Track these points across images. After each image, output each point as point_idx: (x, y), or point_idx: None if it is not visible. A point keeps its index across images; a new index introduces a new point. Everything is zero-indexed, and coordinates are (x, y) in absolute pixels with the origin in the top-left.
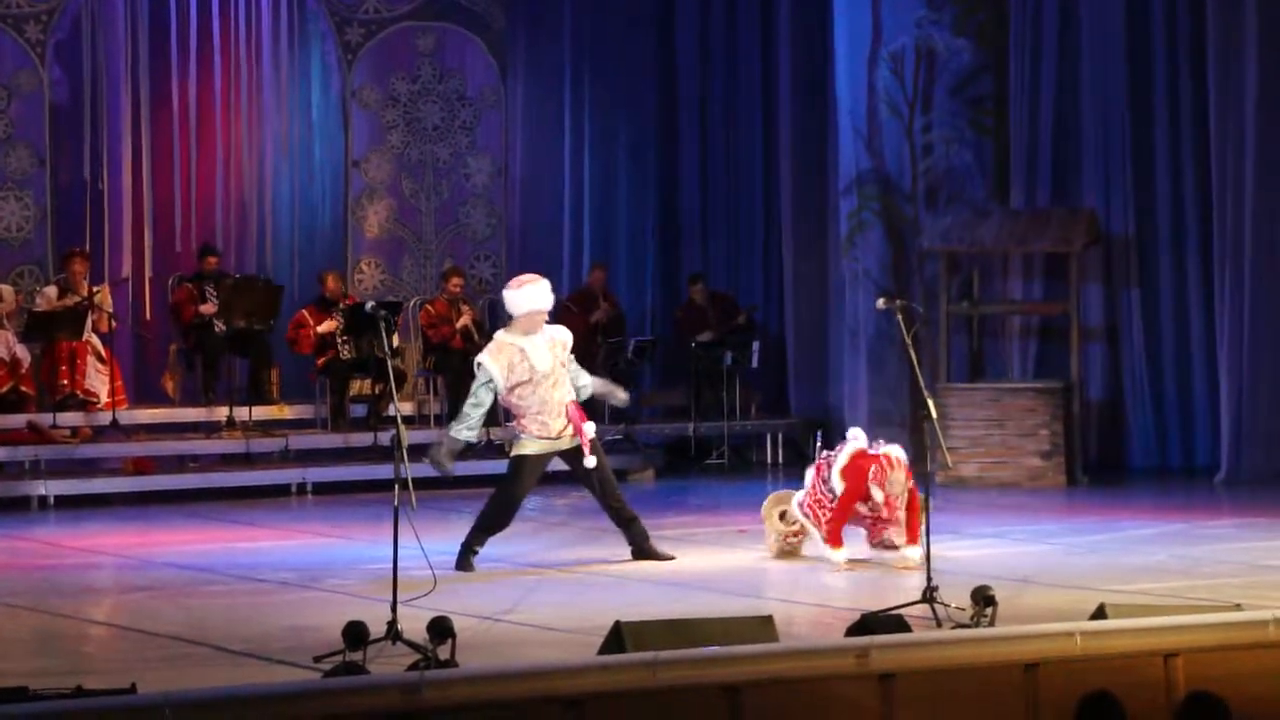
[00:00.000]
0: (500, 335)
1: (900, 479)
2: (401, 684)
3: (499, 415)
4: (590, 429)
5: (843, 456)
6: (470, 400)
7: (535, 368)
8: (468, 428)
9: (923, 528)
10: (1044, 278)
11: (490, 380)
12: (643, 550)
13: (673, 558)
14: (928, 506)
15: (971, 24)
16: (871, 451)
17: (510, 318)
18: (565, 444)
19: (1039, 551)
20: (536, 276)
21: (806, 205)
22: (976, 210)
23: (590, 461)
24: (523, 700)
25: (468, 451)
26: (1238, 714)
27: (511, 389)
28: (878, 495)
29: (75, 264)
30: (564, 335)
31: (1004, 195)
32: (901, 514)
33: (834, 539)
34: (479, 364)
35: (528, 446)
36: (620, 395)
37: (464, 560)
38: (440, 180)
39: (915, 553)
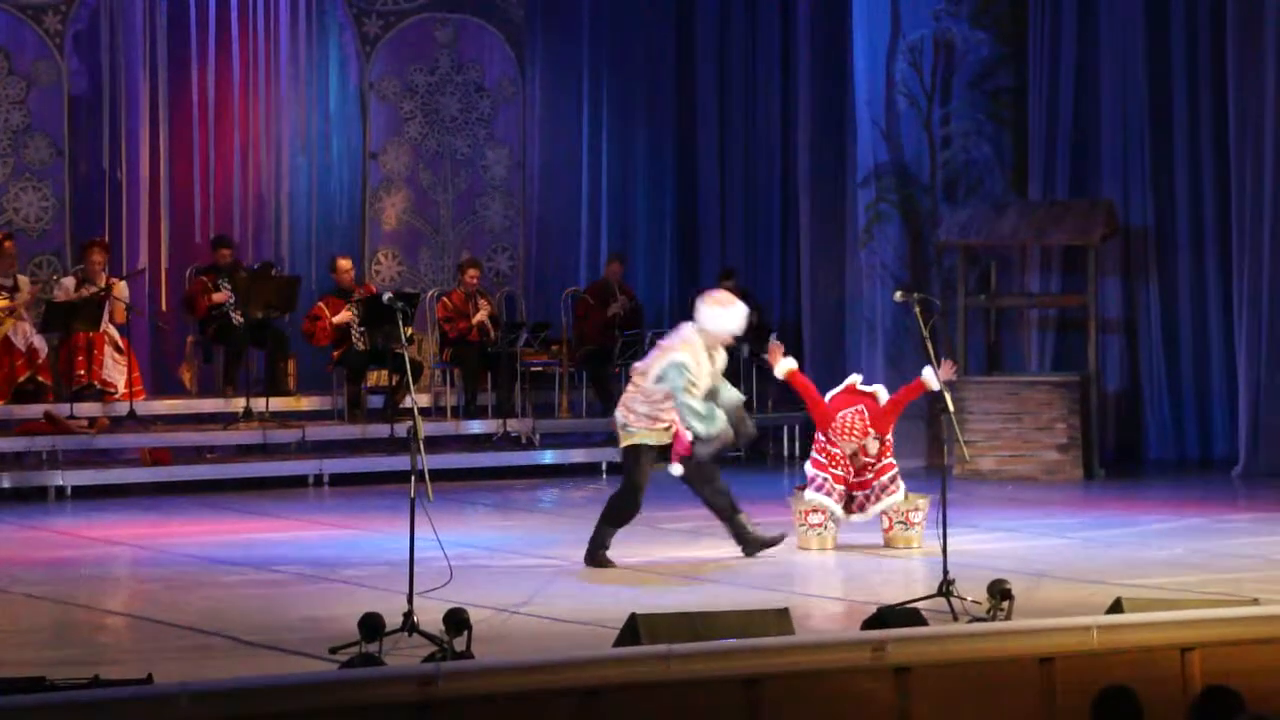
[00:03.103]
0: (692, 334)
1: (850, 446)
2: (417, 675)
3: (519, 406)
4: (688, 435)
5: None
6: (686, 401)
7: (699, 384)
8: (704, 418)
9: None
10: (1062, 270)
11: (692, 376)
12: (748, 541)
13: (780, 539)
14: (945, 500)
15: (990, 16)
16: (861, 389)
17: (701, 325)
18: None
19: (1056, 545)
20: (734, 298)
21: (824, 197)
22: (995, 203)
23: (676, 469)
24: (538, 692)
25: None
26: (1254, 708)
27: (663, 387)
28: (837, 440)
29: (94, 254)
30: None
31: (1022, 187)
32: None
33: (795, 374)
34: (681, 364)
35: (647, 437)
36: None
37: (596, 556)
38: (458, 172)
39: (874, 445)
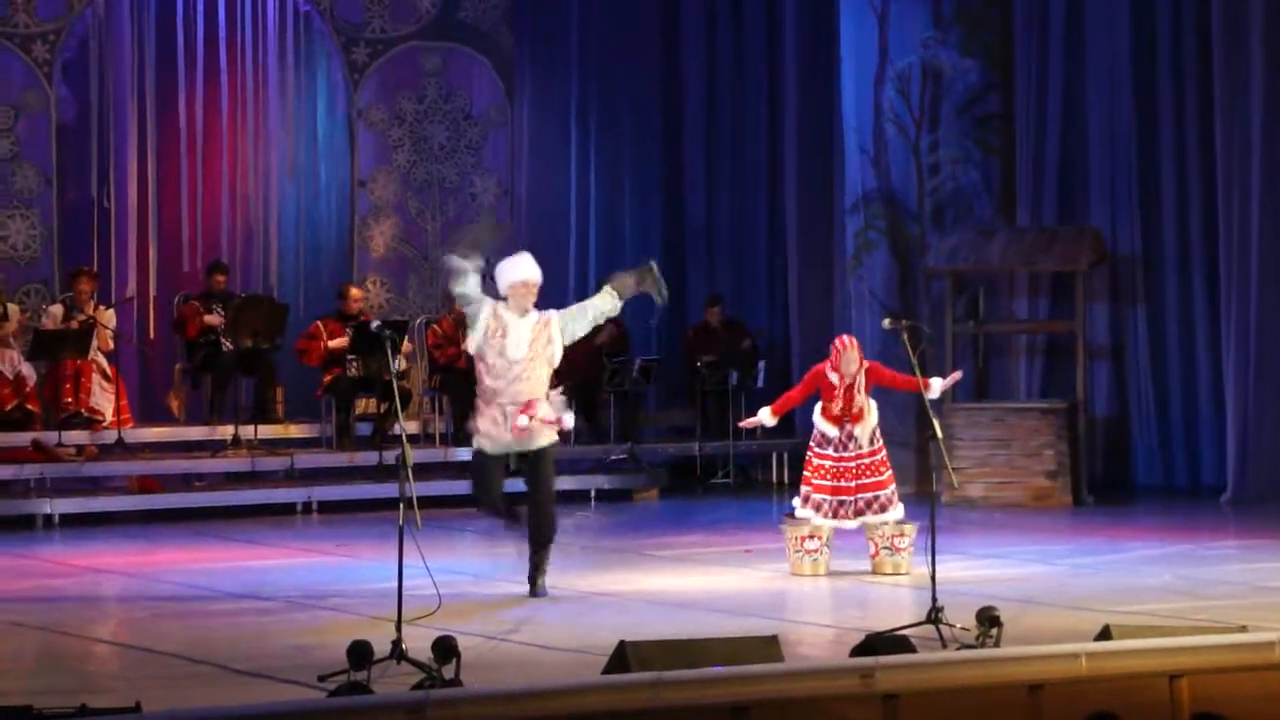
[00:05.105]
0: (497, 302)
1: (854, 358)
2: (406, 704)
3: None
4: (523, 421)
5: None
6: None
7: (507, 351)
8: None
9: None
10: (1050, 297)
11: (478, 311)
12: (537, 581)
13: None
14: (933, 526)
15: (978, 44)
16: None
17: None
18: (525, 445)
19: (1044, 572)
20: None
21: (812, 224)
22: (982, 229)
23: (548, 436)
24: None
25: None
26: None
27: (478, 354)
28: (834, 379)
29: (82, 283)
30: (550, 315)
31: (1010, 214)
32: (862, 399)
33: (775, 408)
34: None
35: (480, 442)
36: (657, 287)
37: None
38: (446, 200)
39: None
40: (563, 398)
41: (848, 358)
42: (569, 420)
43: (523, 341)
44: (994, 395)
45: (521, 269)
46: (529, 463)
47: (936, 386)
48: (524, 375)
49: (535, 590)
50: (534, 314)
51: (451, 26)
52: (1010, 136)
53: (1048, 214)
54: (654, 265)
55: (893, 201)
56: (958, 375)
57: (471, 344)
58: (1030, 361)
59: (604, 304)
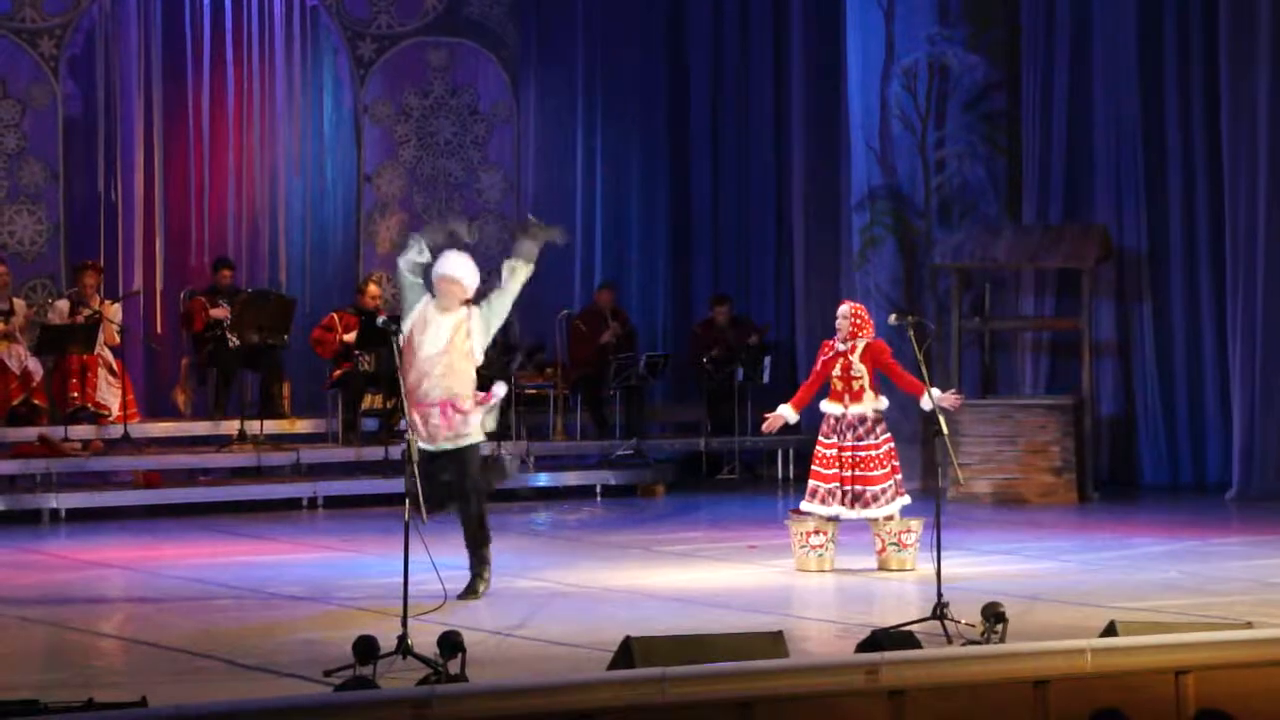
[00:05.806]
0: (428, 297)
1: (845, 310)
2: (411, 698)
3: (514, 429)
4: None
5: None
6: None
7: (423, 347)
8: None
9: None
10: (1056, 293)
11: (414, 298)
12: (470, 583)
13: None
14: (939, 522)
15: (984, 41)
16: None
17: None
18: (445, 445)
19: (1050, 568)
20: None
21: (819, 220)
22: (989, 226)
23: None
24: (532, 715)
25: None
26: None
27: (404, 348)
28: (841, 345)
29: (87, 277)
30: (472, 309)
31: (1016, 211)
32: (860, 369)
33: (795, 402)
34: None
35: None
36: (552, 234)
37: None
38: (452, 195)
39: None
40: (485, 404)
41: (840, 311)
42: (479, 420)
43: (440, 338)
44: (1000, 391)
45: (444, 265)
46: (454, 461)
47: (933, 399)
48: (439, 372)
49: (470, 593)
50: (460, 311)
51: (458, 22)
52: (1016, 133)
53: (1054, 211)
54: (531, 217)
55: (899, 198)
56: (958, 402)
57: (402, 338)
58: (1036, 358)
59: (516, 277)
